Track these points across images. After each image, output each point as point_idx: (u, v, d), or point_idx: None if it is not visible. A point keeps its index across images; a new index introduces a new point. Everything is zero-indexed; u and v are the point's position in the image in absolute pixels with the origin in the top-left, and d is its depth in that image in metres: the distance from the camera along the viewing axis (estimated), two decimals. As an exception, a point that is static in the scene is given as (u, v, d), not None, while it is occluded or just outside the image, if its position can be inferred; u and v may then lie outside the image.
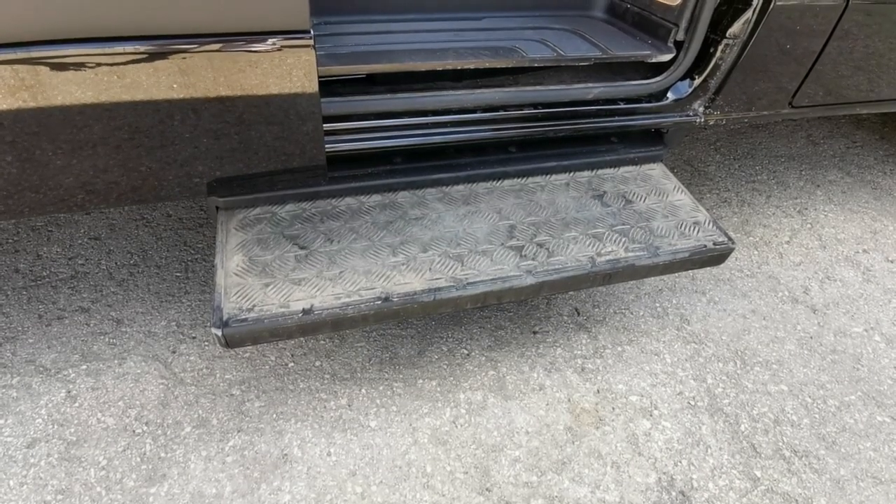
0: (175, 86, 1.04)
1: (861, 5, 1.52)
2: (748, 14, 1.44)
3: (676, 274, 2.00)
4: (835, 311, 1.93)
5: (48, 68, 0.95)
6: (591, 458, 1.42)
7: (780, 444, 1.49)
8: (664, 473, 1.40)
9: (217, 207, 1.37)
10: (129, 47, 0.96)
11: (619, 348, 1.72)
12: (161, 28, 0.95)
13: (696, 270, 1.93)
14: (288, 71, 1.08)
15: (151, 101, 1.04)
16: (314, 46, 1.06)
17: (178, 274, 1.86)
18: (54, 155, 1.07)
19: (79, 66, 0.96)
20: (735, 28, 1.47)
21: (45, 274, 1.81)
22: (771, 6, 1.42)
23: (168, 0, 0.93)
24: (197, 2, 0.95)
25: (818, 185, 2.60)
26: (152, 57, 0.98)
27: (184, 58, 1.00)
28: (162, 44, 0.97)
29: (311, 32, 1.04)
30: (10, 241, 1.93)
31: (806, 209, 2.43)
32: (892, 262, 2.17)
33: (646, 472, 1.40)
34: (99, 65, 0.97)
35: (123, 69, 0.99)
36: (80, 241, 1.95)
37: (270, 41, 1.02)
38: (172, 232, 2.03)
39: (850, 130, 3.10)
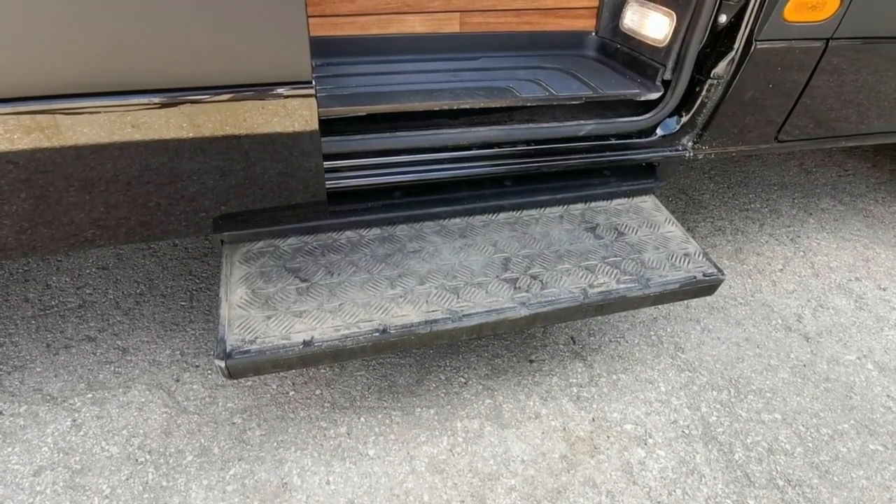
0: (184, 126, 1.10)
1: (841, 46, 1.59)
2: (731, 56, 1.51)
3: (669, 303, 2.03)
4: (828, 339, 1.95)
5: (66, 116, 1.01)
6: (586, 486, 1.44)
7: (774, 473, 1.51)
8: (658, 503, 1.42)
9: (222, 241, 1.43)
10: (144, 99, 1.02)
11: (615, 377, 1.75)
12: (175, 82, 1.02)
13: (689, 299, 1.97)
14: (290, 115, 1.14)
15: (161, 142, 1.10)
16: (315, 95, 1.13)
17: (182, 303, 1.90)
18: (67, 192, 1.13)
19: (95, 113, 1.02)
20: (719, 69, 1.54)
21: (53, 303, 1.86)
22: (752, 49, 1.49)
23: (183, 59, 1.00)
24: (209, 60, 1.02)
25: (811, 214, 2.65)
26: (165, 106, 1.05)
27: (194, 106, 1.06)
28: (175, 95, 1.04)
29: (313, 82, 1.10)
30: (21, 270, 1.98)
31: (799, 237, 2.48)
32: (884, 289, 2.21)
33: (640, 501, 1.42)
34: (115, 113, 1.03)
35: (137, 115, 1.05)
36: (88, 271, 2.00)
37: (275, 91, 1.08)
38: (178, 261, 2.08)
39: (841, 159, 3.16)
